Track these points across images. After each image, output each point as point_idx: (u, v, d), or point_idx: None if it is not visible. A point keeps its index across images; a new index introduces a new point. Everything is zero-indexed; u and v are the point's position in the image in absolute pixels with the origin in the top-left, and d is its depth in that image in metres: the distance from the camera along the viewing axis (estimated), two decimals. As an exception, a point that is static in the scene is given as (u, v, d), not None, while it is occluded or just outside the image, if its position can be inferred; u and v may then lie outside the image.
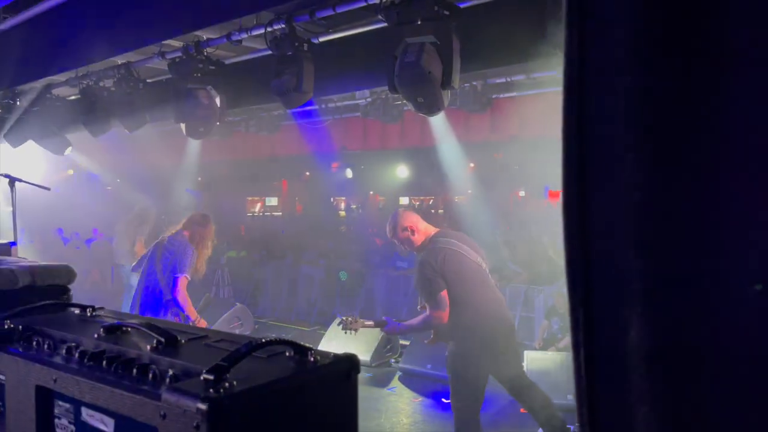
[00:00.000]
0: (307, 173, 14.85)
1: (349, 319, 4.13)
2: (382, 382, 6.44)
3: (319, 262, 10.26)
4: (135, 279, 7.65)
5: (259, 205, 18.49)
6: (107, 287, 10.88)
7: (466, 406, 3.87)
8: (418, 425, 5.46)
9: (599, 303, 0.66)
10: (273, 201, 18.69)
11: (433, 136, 7.67)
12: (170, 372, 1.06)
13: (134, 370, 1.09)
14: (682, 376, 0.61)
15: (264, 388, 0.99)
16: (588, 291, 0.67)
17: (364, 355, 6.74)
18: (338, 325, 4.33)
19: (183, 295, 4.41)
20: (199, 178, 12.62)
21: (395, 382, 6.43)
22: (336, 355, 1.13)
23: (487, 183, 9.81)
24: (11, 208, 4.49)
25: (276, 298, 10.03)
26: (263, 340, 1.09)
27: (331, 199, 16.71)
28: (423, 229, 3.99)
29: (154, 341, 1.19)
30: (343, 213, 17.17)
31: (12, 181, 4.45)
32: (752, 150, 0.61)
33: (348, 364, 1.13)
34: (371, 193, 16.01)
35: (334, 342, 6.95)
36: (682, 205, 0.63)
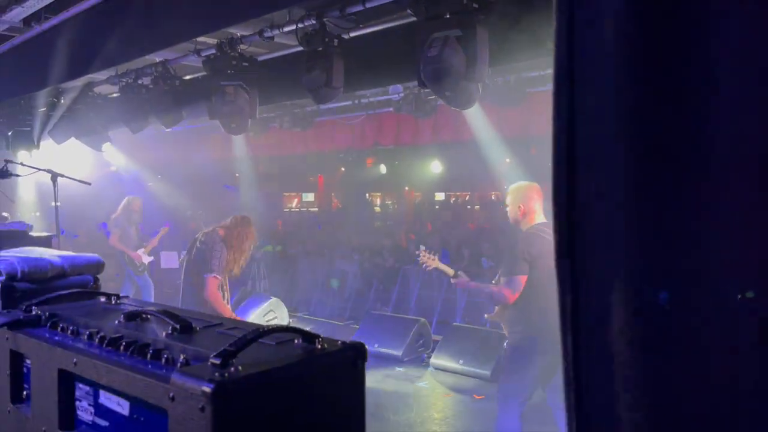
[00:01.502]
0: (342, 169, 14.93)
1: (428, 255, 4.15)
2: (413, 376, 6.45)
3: (354, 257, 10.32)
4: (130, 271, 7.85)
5: (296, 200, 18.69)
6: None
7: (510, 401, 3.84)
8: (449, 420, 5.45)
9: (585, 291, 0.66)
10: (310, 197, 18.87)
11: (466, 131, 7.61)
12: (182, 357, 1.09)
13: (148, 355, 1.13)
14: (664, 365, 0.60)
15: (269, 373, 1.02)
16: (575, 280, 0.66)
17: (396, 350, 6.76)
18: (417, 255, 4.31)
19: (214, 294, 4.35)
20: (237, 174, 12.82)
21: (427, 377, 6.43)
22: (343, 343, 1.15)
23: (524, 178, 9.68)
24: (54, 203, 4.65)
25: (311, 293, 10.14)
26: (271, 328, 1.11)
27: (367, 195, 16.76)
28: (532, 215, 3.89)
29: (170, 328, 1.22)
30: (378, 208, 17.22)
31: (54, 176, 4.61)
32: (741, 149, 0.60)
33: (355, 351, 1.15)
34: (406, 188, 16.00)
35: (366, 336, 6.99)
36: (669, 201, 0.62)
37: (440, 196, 17.13)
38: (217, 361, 0.99)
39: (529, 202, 3.89)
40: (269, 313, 7.17)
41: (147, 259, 7.86)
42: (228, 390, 0.94)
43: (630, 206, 0.63)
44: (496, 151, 7.93)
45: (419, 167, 12.59)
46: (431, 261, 4.16)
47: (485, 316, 4.21)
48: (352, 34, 4.56)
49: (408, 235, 11.06)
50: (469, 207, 16.29)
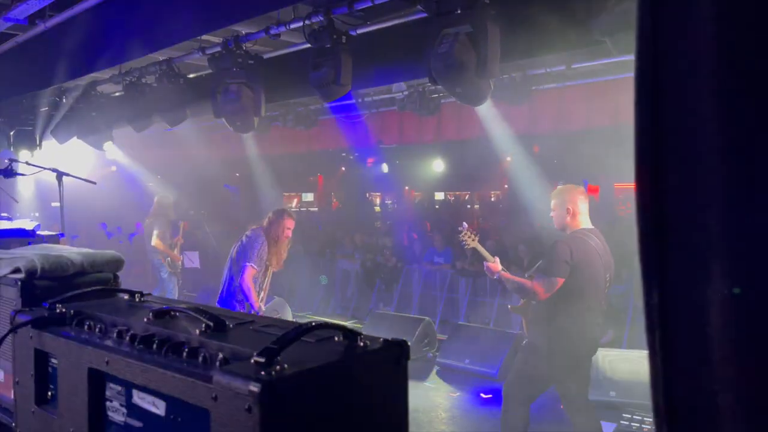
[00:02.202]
0: (343, 168, 14.88)
1: (470, 235, 4.06)
2: (419, 376, 6.42)
3: (355, 256, 10.29)
4: (165, 272, 7.76)
5: (295, 200, 18.65)
6: (149, 281, 11.08)
7: (518, 399, 3.81)
8: (456, 420, 5.42)
9: (675, 282, 0.62)
10: (309, 197, 18.84)
11: (471, 129, 7.58)
12: (220, 355, 1.06)
13: (184, 353, 1.09)
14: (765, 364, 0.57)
15: (315, 371, 0.98)
16: (663, 269, 0.63)
17: (401, 349, 6.72)
18: (460, 230, 4.22)
19: (248, 284, 4.58)
20: (237, 174, 12.76)
21: (433, 377, 6.40)
22: (386, 341, 1.12)
23: (527, 177, 9.65)
24: (58, 203, 4.60)
25: (313, 292, 10.10)
26: (313, 324, 1.08)
27: (367, 195, 16.72)
28: (580, 219, 3.81)
29: (203, 325, 1.18)
30: (378, 208, 17.18)
31: (59, 175, 4.55)
32: None
33: (398, 349, 1.11)
34: (406, 188, 15.97)
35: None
36: (759, 169, 0.57)
37: (439, 196, 17.11)
38: (262, 360, 0.95)
39: (577, 205, 3.80)
40: (273, 312, 7.13)
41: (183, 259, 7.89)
42: (276, 389, 0.90)
43: (725, 193, 0.59)
44: (500, 148, 7.90)
45: (421, 166, 12.56)
46: (471, 241, 4.09)
47: (509, 307, 4.17)
48: (360, 31, 4.53)
49: (410, 235, 11.03)
50: (468, 206, 16.28)
